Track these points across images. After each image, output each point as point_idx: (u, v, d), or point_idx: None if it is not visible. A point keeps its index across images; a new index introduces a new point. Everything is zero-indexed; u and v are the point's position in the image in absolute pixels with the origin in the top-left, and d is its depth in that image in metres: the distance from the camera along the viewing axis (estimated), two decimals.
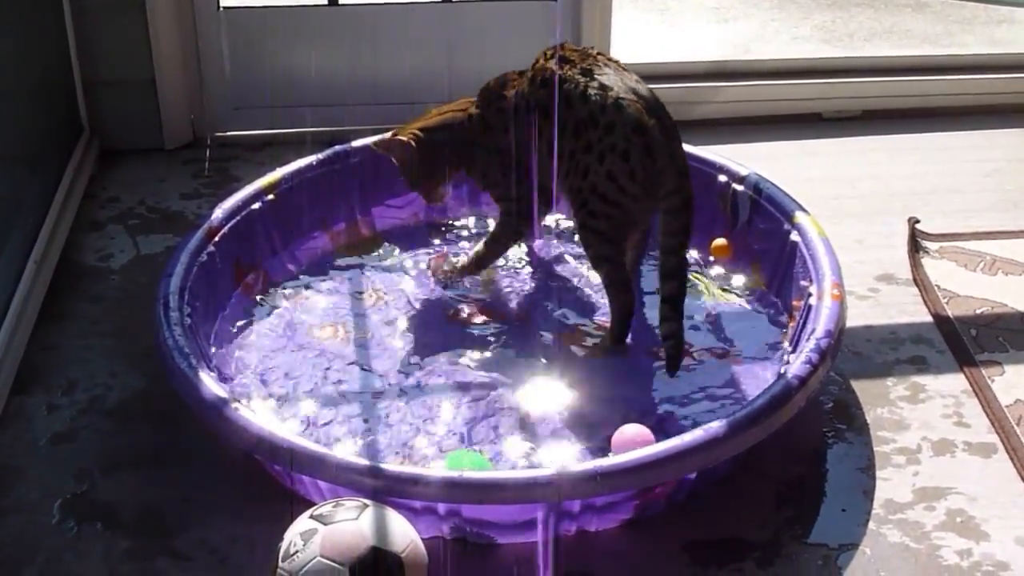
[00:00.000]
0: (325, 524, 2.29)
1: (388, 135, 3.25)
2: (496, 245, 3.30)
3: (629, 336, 3.07)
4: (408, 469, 2.52)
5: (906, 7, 5.45)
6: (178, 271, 2.98)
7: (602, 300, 3.20)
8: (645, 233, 3.23)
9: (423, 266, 3.37)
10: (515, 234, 3.28)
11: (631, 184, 2.91)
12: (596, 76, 2.96)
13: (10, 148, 3.31)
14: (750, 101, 4.24)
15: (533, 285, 3.33)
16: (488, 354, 3.06)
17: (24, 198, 3.32)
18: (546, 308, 3.23)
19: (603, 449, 2.73)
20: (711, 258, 3.32)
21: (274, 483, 2.66)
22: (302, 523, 2.32)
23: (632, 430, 2.68)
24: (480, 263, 3.30)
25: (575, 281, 3.33)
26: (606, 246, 3.01)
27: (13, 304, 3.07)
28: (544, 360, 3.04)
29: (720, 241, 3.30)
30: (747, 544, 2.57)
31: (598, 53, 3.06)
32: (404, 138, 3.21)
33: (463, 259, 3.33)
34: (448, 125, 3.23)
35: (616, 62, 3.04)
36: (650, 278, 3.26)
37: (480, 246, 3.30)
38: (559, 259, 3.41)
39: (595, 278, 3.26)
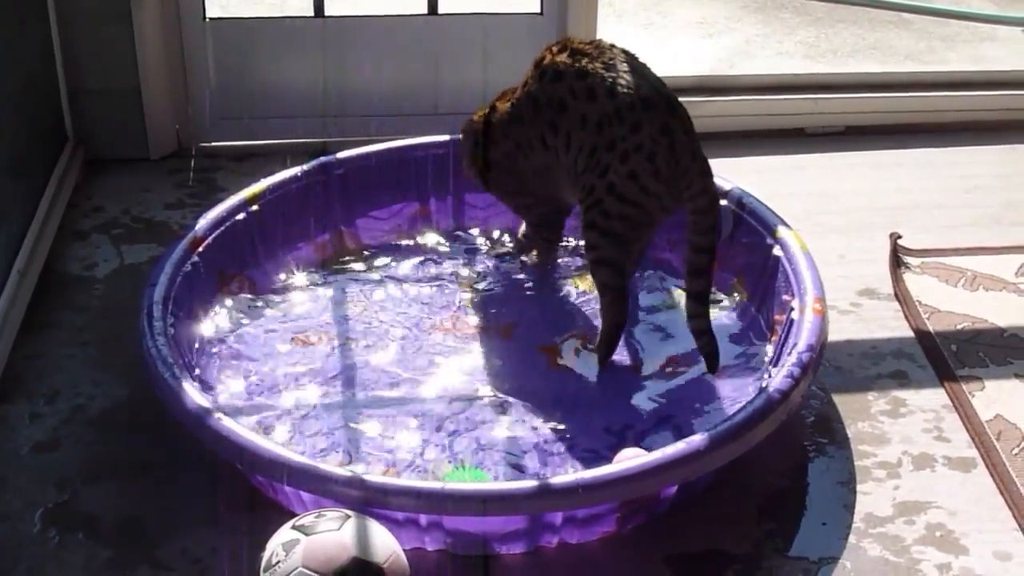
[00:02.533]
0: (307, 534, 2.29)
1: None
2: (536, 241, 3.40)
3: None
4: (390, 480, 2.53)
5: (890, 24, 5.46)
6: (162, 281, 2.98)
7: (590, 312, 3.21)
8: (644, 248, 3.23)
9: (410, 284, 3.38)
10: (543, 241, 3.38)
11: (655, 183, 2.89)
12: (621, 72, 2.94)
13: None
14: (734, 116, 4.25)
15: (517, 297, 3.33)
16: (471, 366, 3.06)
17: (8, 207, 3.31)
18: (530, 321, 3.24)
19: (585, 461, 2.74)
20: None
21: (256, 493, 2.66)
22: (284, 533, 2.32)
23: (632, 453, 2.68)
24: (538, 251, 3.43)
25: (560, 294, 3.34)
26: (614, 249, 2.98)
27: None
28: (527, 372, 3.05)
29: None
30: (728, 557, 2.58)
31: (612, 45, 3.03)
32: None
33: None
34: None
35: (632, 55, 3.02)
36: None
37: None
38: (545, 272, 3.42)
39: (583, 291, 3.28)
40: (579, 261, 3.36)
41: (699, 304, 2.96)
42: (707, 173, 2.93)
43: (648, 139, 2.88)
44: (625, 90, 2.92)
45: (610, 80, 2.94)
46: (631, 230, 2.97)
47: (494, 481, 2.70)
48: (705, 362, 2.99)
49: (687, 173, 2.89)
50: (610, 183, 2.92)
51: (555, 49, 3.06)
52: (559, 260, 3.43)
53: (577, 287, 3.33)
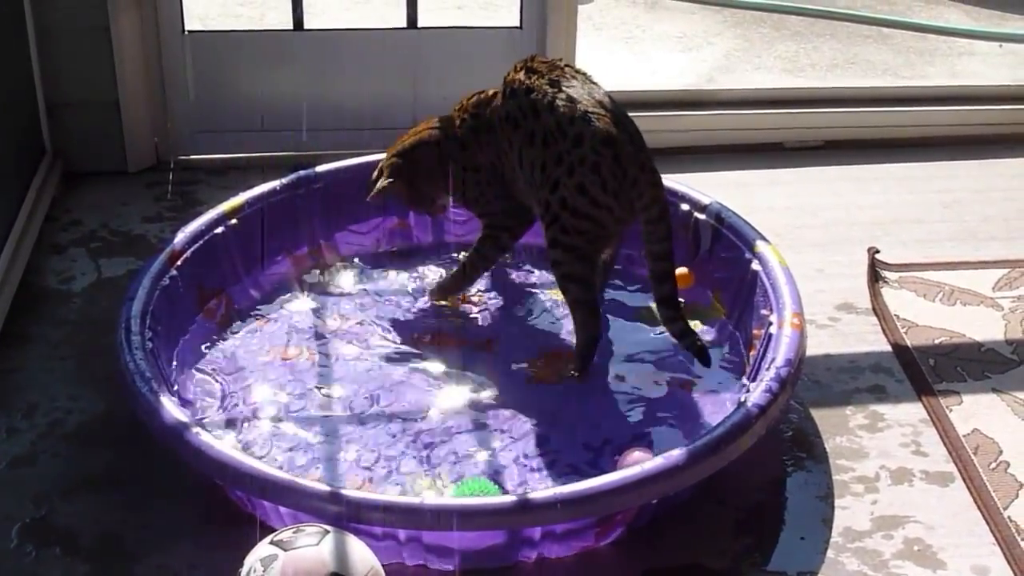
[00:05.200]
0: (286, 550, 2.29)
1: (379, 183, 3.27)
2: (480, 260, 3.30)
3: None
4: (369, 495, 2.52)
5: (868, 38, 5.49)
6: (140, 295, 2.97)
7: (565, 326, 3.21)
8: (612, 259, 3.24)
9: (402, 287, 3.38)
10: (499, 249, 3.29)
11: (603, 195, 2.92)
12: (564, 87, 2.98)
13: None
14: (713, 130, 4.26)
15: (497, 310, 3.33)
16: (450, 380, 3.06)
17: None
18: (510, 334, 3.24)
19: (564, 475, 2.74)
20: None
21: (235, 508, 2.65)
22: (262, 549, 2.31)
23: (637, 455, 2.70)
24: (465, 278, 3.32)
25: (540, 306, 3.33)
26: (578, 264, 3.00)
27: None
28: (506, 386, 3.04)
29: (681, 270, 3.29)
30: (707, 571, 2.58)
31: (566, 65, 3.07)
32: (384, 183, 3.24)
33: (446, 276, 3.36)
34: (424, 143, 3.26)
35: (583, 74, 3.05)
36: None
37: (464, 261, 3.32)
38: (525, 284, 3.42)
39: (559, 305, 3.28)
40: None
41: (670, 308, 2.97)
42: (657, 184, 2.94)
43: (590, 151, 2.90)
44: (564, 105, 2.95)
45: (551, 96, 2.97)
46: (590, 243, 3.00)
47: (503, 493, 2.70)
48: (697, 359, 3.00)
49: (636, 184, 2.91)
50: (562, 198, 2.95)
51: (519, 66, 3.10)
52: (537, 271, 3.43)
53: (555, 298, 3.33)
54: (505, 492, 2.69)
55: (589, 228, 2.97)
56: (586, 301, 3.03)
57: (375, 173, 3.31)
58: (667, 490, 2.56)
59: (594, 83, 3.04)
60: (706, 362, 3.00)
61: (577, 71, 3.06)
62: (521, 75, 3.06)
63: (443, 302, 3.33)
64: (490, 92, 3.19)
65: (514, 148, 3.06)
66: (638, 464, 2.56)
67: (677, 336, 3.00)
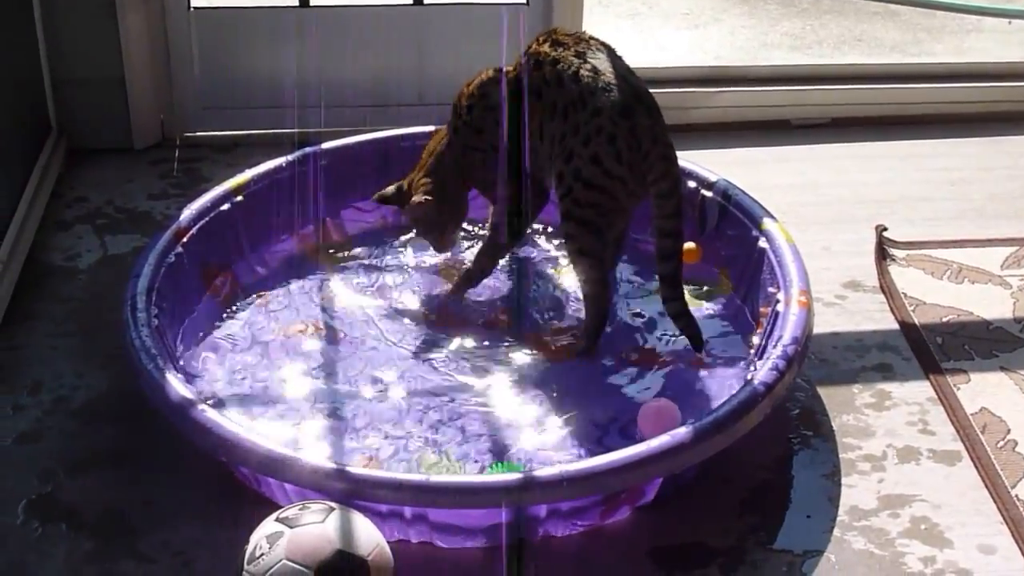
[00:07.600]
0: (291, 527, 2.29)
1: (415, 197, 3.22)
2: (493, 248, 3.25)
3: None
4: (375, 472, 2.52)
5: (876, 15, 5.47)
6: (146, 272, 2.97)
7: (574, 304, 3.20)
8: (622, 236, 3.22)
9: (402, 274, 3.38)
10: (512, 234, 3.23)
11: (617, 167, 2.90)
12: (589, 59, 2.96)
13: None
14: (719, 107, 4.24)
15: (504, 288, 3.33)
16: (457, 357, 3.06)
17: None
18: (517, 311, 3.23)
19: (571, 453, 2.73)
20: None
21: (240, 485, 2.65)
22: (268, 526, 2.32)
23: (658, 404, 2.73)
24: (481, 270, 3.27)
25: (546, 284, 3.33)
26: (589, 238, 2.98)
27: None
28: (513, 363, 3.04)
29: (689, 245, 3.27)
30: (712, 550, 2.58)
31: (591, 37, 3.06)
32: (420, 198, 3.20)
33: (463, 271, 3.31)
34: (441, 154, 3.24)
35: (608, 47, 3.04)
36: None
37: (477, 252, 3.29)
38: (531, 262, 3.41)
39: (567, 282, 3.28)
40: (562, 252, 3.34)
41: (672, 288, 2.96)
42: (670, 159, 2.93)
43: (608, 121, 2.89)
44: (589, 75, 2.94)
45: (576, 67, 2.96)
46: (602, 217, 2.98)
47: (463, 470, 2.71)
48: (690, 343, 2.99)
49: (648, 157, 2.89)
50: (576, 169, 2.93)
51: (541, 39, 3.08)
52: (544, 248, 3.42)
53: (559, 275, 3.33)
54: None
55: (601, 200, 2.95)
56: (597, 277, 3.02)
57: (396, 188, 3.28)
58: (673, 468, 2.56)
59: (618, 56, 3.03)
60: (698, 347, 2.99)
61: (602, 44, 3.04)
62: (546, 47, 3.04)
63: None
64: (490, 71, 3.17)
65: (535, 119, 3.05)
66: (660, 413, 2.57)
67: (673, 316, 2.99)
